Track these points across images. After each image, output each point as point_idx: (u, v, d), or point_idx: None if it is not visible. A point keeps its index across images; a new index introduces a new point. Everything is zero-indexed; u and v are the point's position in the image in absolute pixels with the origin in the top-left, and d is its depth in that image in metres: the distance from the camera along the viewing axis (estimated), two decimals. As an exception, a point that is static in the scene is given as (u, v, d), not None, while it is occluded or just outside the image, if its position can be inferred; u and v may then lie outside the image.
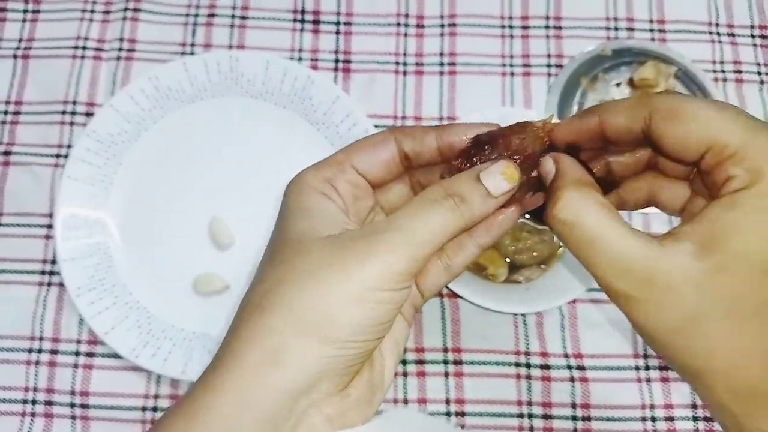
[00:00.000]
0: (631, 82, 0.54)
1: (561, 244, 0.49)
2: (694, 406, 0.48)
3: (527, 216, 0.30)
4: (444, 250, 0.30)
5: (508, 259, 0.49)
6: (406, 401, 0.48)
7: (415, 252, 0.26)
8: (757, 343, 0.23)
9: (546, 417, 0.48)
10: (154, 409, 0.47)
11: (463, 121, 0.46)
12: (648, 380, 0.48)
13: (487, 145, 0.28)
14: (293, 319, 0.25)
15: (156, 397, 0.48)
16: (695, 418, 0.48)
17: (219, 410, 0.24)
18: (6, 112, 0.53)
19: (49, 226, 0.51)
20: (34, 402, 0.47)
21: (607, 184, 0.29)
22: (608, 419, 0.48)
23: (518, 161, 0.27)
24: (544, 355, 0.49)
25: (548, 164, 0.27)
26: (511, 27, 0.56)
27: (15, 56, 0.55)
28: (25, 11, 0.56)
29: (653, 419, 0.48)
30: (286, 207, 0.28)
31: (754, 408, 0.24)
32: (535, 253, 0.47)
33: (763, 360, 0.23)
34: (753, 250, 0.23)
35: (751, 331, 0.23)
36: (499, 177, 0.27)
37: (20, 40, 0.55)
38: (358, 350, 0.26)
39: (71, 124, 0.53)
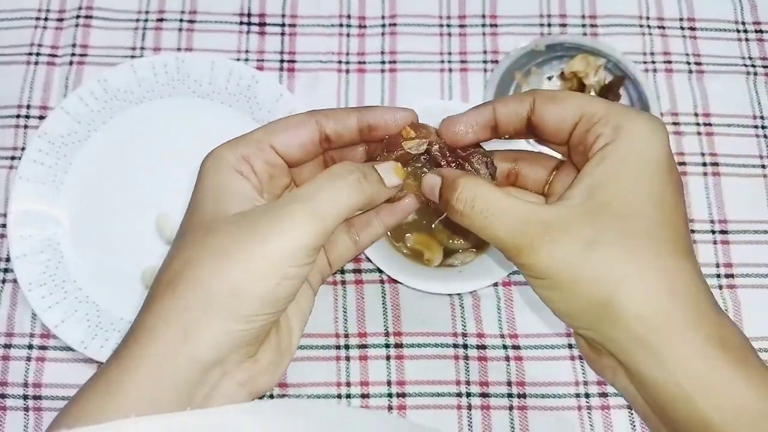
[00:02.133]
0: (562, 75, 0.56)
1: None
2: (627, 382, 0.50)
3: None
4: (353, 225, 0.33)
5: (444, 247, 0.51)
6: (348, 384, 0.50)
7: (319, 226, 0.27)
8: (654, 258, 0.26)
9: (483, 395, 0.49)
10: (105, 399, 0.49)
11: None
12: (581, 358, 0.50)
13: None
14: (203, 296, 0.26)
15: (107, 386, 0.49)
16: (628, 394, 0.50)
17: (134, 384, 0.26)
18: (-38, 118, 0.55)
19: (3, 225, 0.52)
20: (-13, 395, 0.49)
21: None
22: (543, 396, 0.49)
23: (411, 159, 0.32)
24: (480, 336, 0.51)
25: (431, 179, 0.31)
26: (449, 26, 0.59)
27: (-30, 63, 0.57)
28: (-20, 20, 0.58)
29: (587, 395, 0.50)
30: (200, 184, 0.29)
31: (667, 334, 0.25)
32: (466, 239, 0.50)
33: (664, 274, 0.26)
34: (626, 187, 0.27)
35: (646, 248, 0.26)
36: (391, 172, 0.31)
37: (-25, 48, 0.57)
38: (266, 321, 0.27)
39: (25, 127, 0.55)
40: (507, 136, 0.32)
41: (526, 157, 0.34)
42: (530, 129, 0.31)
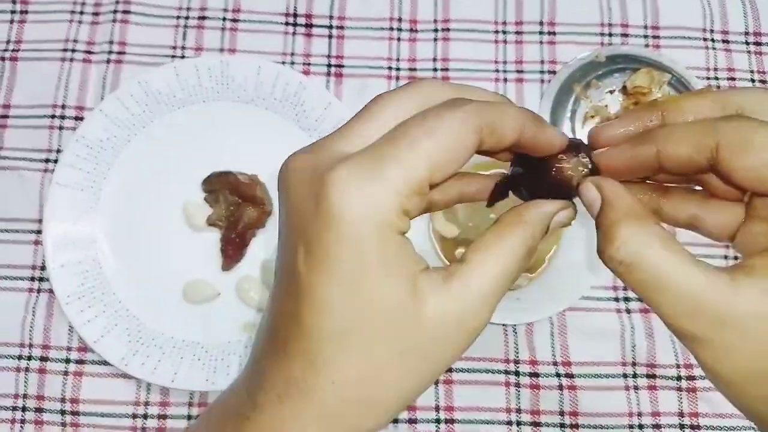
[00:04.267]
0: (624, 90, 0.54)
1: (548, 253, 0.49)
2: (681, 414, 0.49)
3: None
4: None
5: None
6: (396, 409, 0.48)
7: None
8: None
9: (534, 424, 0.48)
10: (144, 416, 0.48)
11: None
12: (636, 388, 0.49)
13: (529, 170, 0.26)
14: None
15: (146, 404, 0.48)
16: (682, 426, 0.48)
17: None
18: (-6, 115, 0.53)
19: (38, 232, 0.50)
20: (24, 409, 0.47)
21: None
22: (596, 427, 0.48)
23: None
24: (533, 363, 0.49)
25: (591, 192, 0.25)
26: (504, 32, 0.56)
27: (3, 58, 0.54)
28: (13, 12, 0.55)
29: (641, 426, 0.48)
30: (366, 252, 0.21)
31: None
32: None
33: None
34: None
35: None
36: (561, 223, 0.26)
37: (8, 42, 0.55)
38: None
39: (60, 128, 0.53)
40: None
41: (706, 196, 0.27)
42: (716, 174, 0.24)
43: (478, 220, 0.49)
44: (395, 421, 0.48)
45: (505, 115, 0.23)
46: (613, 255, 0.23)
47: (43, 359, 0.48)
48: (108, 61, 0.54)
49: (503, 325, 0.49)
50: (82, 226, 0.49)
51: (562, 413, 0.48)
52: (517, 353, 0.49)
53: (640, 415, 0.48)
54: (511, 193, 0.27)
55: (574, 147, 0.26)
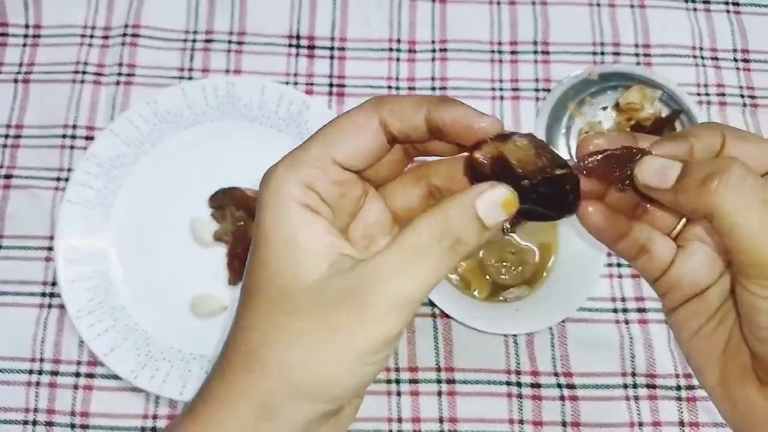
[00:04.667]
0: (617, 106, 0.56)
1: (546, 264, 0.50)
2: (682, 424, 0.49)
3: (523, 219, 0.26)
4: None
5: (488, 277, 0.50)
6: (400, 420, 0.49)
7: (407, 316, 0.24)
8: None
9: (537, 434, 0.49)
10: (153, 430, 0.48)
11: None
12: (636, 398, 0.50)
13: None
14: (286, 384, 0.24)
15: (155, 417, 0.49)
16: (682, 435, 0.49)
17: None
18: (7, 136, 0.54)
19: (50, 249, 0.52)
20: (35, 423, 0.48)
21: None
22: (597, 436, 0.49)
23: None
24: (534, 374, 0.50)
25: (656, 162, 0.25)
26: (500, 52, 0.58)
27: (16, 80, 0.56)
28: (26, 36, 0.57)
29: (642, 436, 0.49)
30: (262, 224, 0.25)
31: None
32: (517, 274, 0.49)
33: None
34: None
35: None
36: (500, 208, 0.24)
37: (21, 65, 0.56)
38: (348, 404, 0.27)
39: (71, 147, 0.54)
40: None
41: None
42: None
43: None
44: (399, 432, 0.49)
45: (404, 99, 0.26)
46: (731, 177, 0.23)
47: (54, 373, 0.49)
48: (118, 83, 0.56)
49: (504, 336, 0.50)
50: (92, 242, 0.50)
51: (564, 424, 0.49)
52: (519, 364, 0.50)
53: (641, 425, 0.49)
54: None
55: (510, 134, 0.25)
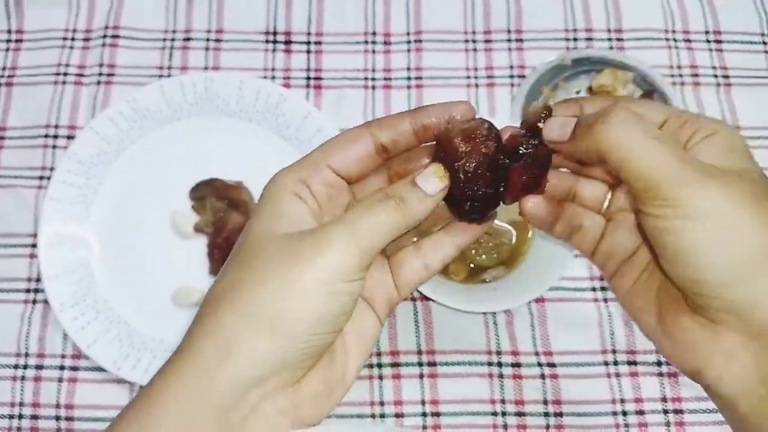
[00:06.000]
0: (590, 90, 0.56)
1: (523, 244, 0.51)
2: (664, 400, 0.50)
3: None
4: (421, 248, 0.32)
5: (471, 264, 0.50)
6: (382, 403, 0.49)
7: (360, 245, 0.27)
8: None
9: (519, 414, 0.49)
10: (137, 420, 0.49)
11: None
12: (617, 375, 0.50)
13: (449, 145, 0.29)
14: (245, 314, 0.26)
15: (139, 408, 0.49)
16: (665, 411, 0.49)
17: (172, 401, 0.26)
18: (-9, 138, 0.56)
19: (34, 246, 0.52)
20: (20, 416, 0.49)
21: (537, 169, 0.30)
22: (580, 414, 0.49)
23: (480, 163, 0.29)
24: (515, 353, 0.50)
25: (558, 120, 0.29)
26: (474, 41, 0.59)
27: (-1, 84, 0.57)
28: (8, 41, 0.58)
29: (624, 413, 0.49)
30: (258, 208, 0.29)
31: None
32: (495, 255, 0.49)
33: None
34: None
35: None
36: (433, 178, 0.29)
37: (4, 69, 0.57)
38: (309, 344, 0.26)
39: (54, 147, 0.55)
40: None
41: (584, 174, 0.32)
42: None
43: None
44: (382, 415, 0.49)
45: (390, 116, 0.30)
46: (616, 115, 0.27)
47: (39, 367, 0.50)
48: (98, 83, 0.57)
49: (483, 316, 0.51)
50: (75, 237, 0.51)
51: (545, 402, 0.49)
52: (499, 345, 0.50)
53: (623, 401, 0.49)
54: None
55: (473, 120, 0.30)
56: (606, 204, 0.32)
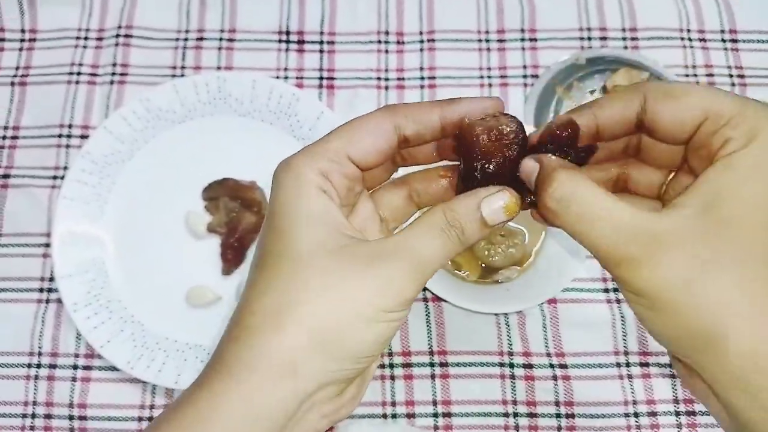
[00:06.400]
0: (604, 89, 0.56)
1: (533, 247, 0.51)
2: (676, 401, 0.49)
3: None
4: None
5: (483, 264, 0.50)
6: (394, 404, 0.49)
7: (422, 279, 0.27)
8: None
9: (531, 415, 0.49)
10: (150, 419, 0.49)
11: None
12: (629, 377, 0.50)
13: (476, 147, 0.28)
14: (315, 338, 0.26)
15: (152, 407, 0.49)
16: (677, 413, 0.49)
17: (227, 417, 0.25)
18: (4, 137, 0.56)
19: (47, 245, 0.53)
20: (33, 416, 0.49)
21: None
22: (592, 416, 0.49)
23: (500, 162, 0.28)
24: (527, 354, 0.50)
25: (529, 163, 0.28)
26: (487, 41, 0.59)
27: (12, 83, 0.57)
28: (22, 40, 0.59)
29: (636, 415, 0.49)
30: (281, 202, 0.27)
31: None
32: (508, 254, 0.49)
33: None
34: (755, 204, 0.24)
35: (764, 277, 0.24)
36: (500, 210, 0.27)
37: (17, 68, 0.58)
38: (362, 365, 0.27)
39: (67, 146, 0.55)
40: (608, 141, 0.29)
41: (635, 159, 0.31)
42: (641, 129, 0.28)
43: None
44: (394, 416, 0.49)
45: (416, 105, 0.29)
46: (552, 194, 0.26)
47: (52, 366, 0.50)
48: (111, 83, 0.57)
49: (495, 317, 0.50)
50: (88, 237, 0.51)
51: (557, 403, 0.49)
52: (511, 346, 0.50)
53: (635, 403, 0.49)
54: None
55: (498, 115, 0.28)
56: (665, 187, 0.30)
